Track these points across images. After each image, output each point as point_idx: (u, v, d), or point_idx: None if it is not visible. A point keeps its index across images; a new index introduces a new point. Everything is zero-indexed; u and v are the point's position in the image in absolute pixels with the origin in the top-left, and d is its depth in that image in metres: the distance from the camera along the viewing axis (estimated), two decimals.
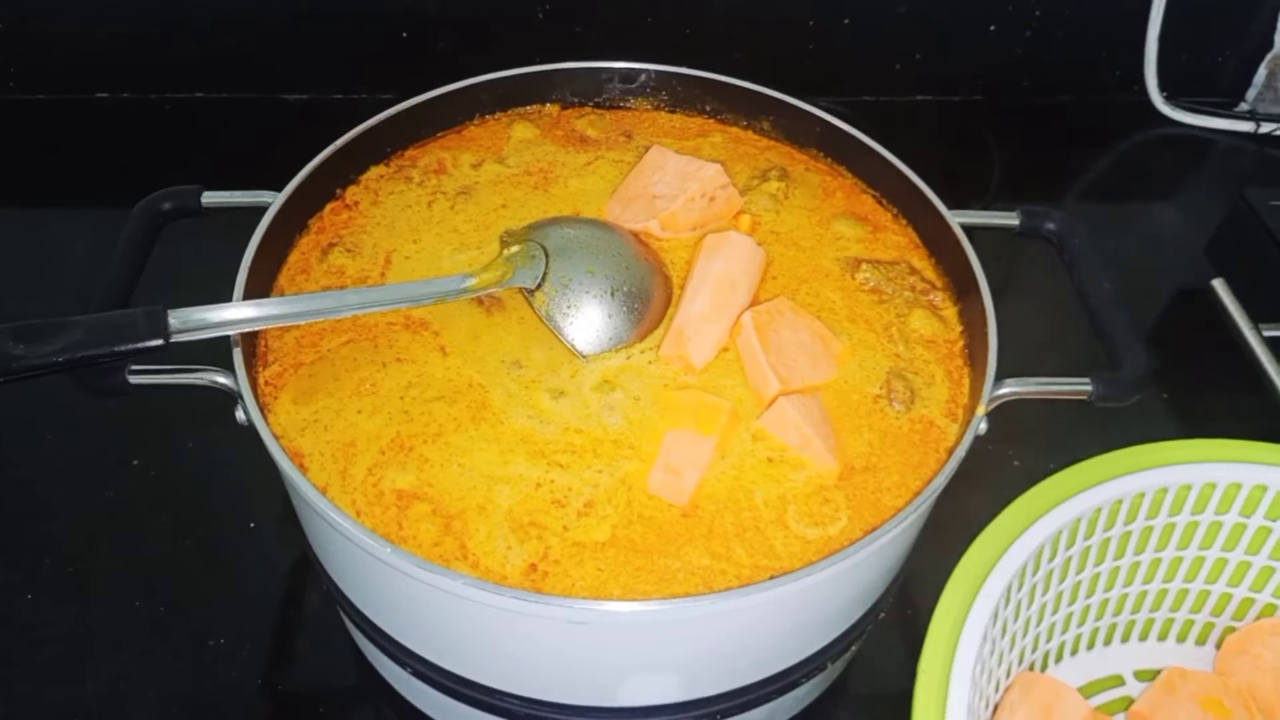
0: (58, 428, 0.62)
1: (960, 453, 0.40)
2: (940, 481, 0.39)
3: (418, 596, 0.38)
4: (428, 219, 0.50)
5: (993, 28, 0.84)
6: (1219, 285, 0.69)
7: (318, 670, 0.52)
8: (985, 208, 0.50)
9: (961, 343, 0.46)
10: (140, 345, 0.38)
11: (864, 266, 0.49)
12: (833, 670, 0.47)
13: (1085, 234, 0.49)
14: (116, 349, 0.37)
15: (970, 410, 0.42)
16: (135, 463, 0.60)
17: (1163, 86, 0.87)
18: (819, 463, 0.41)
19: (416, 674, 0.42)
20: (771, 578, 0.36)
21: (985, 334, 0.43)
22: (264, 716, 0.51)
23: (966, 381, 0.45)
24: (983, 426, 0.42)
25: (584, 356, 0.44)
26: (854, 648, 0.45)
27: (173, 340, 0.38)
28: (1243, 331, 0.66)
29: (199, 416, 0.60)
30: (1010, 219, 0.50)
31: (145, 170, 0.76)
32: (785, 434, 0.41)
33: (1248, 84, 0.89)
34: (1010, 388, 0.42)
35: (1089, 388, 0.43)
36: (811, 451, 0.41)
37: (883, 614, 0.45)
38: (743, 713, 0.43)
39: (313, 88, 0.84)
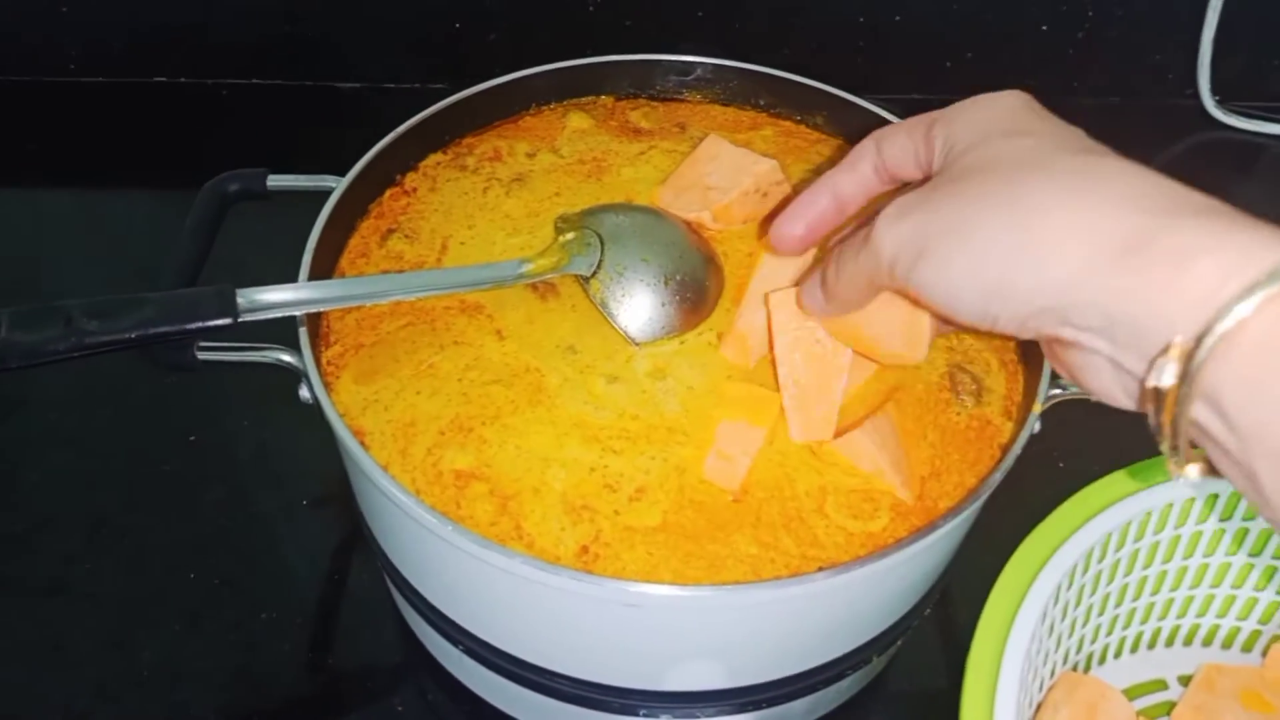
0: (117, 403, 0.63)
1: (1016, 450, 0.40)
2: (996, 478, 0.39)
3: (474, 574, 0.38)
4: (482, 205, 0.51)
5: (1045, 28, 0.83)
6: None
7: (365, 646, 0.53)
8: None
9: (1014, 340, 0.46)
10: (210, 323, 0.39)
11: None
12: (876, 664, 0.47)
13: None
14: (187, 327, 0.38)
15: (1026, 408, 0.42)
16: (192, 438, 0.61)
17: (1215, 90, 0.86)
18: (893, 491, 0.40)
19: (468, 651, 0.43)
20: (820, 569, 0.36)
21: None
22: (313, 689, 0.52)
23: (1021, 378, 0.45)
24: (1036, 425, 0.42)
25: (636, 343, 0.44)
26: (900, 642, 0.46)
27: (240, 319, 0.39)
28: None
29: (255, 395, 0.62)
30: None
31: (200, 154, 0.77)
32: (858, 461, 0.41)
33: None
34: (1065, 387, 0.42)
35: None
36: (885, 481, 0.40)
37: (929, 610, 0.45)
38: (787, 702, 0.43)
39: (365, 76, 0.85)
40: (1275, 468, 0.25)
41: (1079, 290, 0.27)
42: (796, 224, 0.39)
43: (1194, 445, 0.27)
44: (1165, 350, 0.26)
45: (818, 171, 0.53)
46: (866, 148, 0.37)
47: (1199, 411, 0.26)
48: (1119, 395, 0.29)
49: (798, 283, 0.40)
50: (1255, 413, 0.25)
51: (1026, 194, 0.29)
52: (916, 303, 0.34)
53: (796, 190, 0.51)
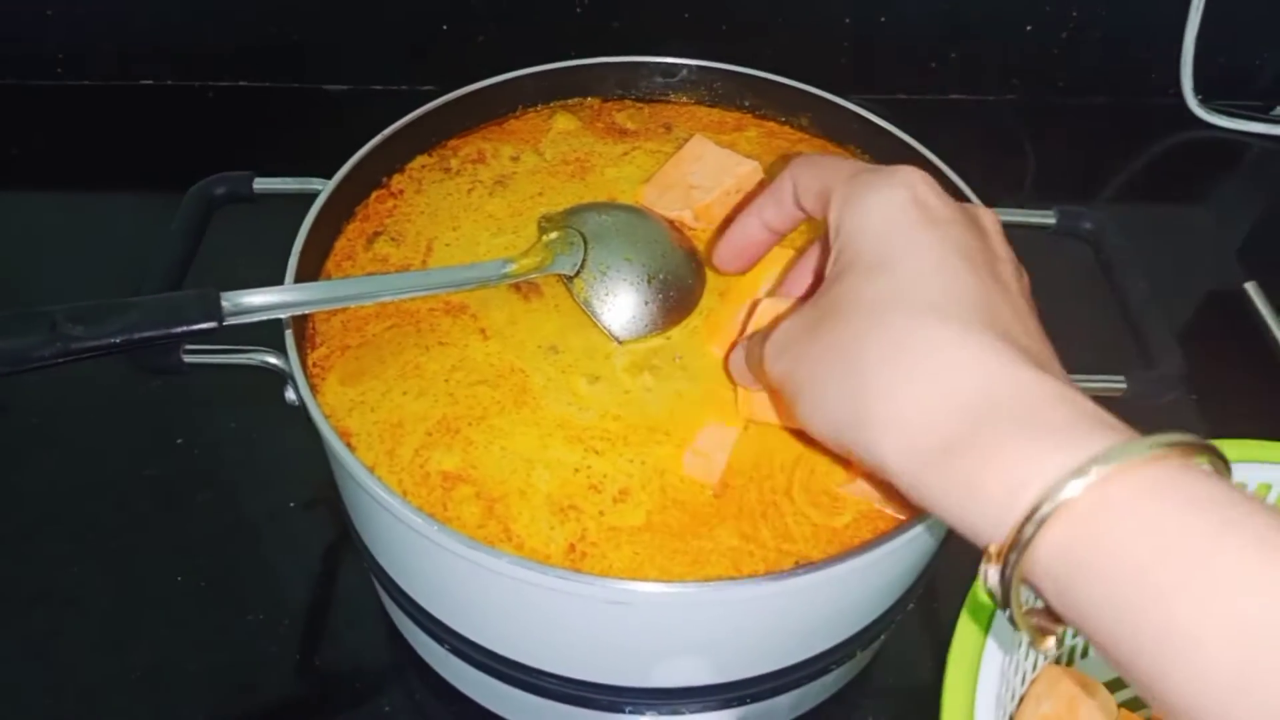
0: (103, 407, 0.63)
1: None
2: None
3: (462, 575, 0.39)
4: (466, 206, 0.51)
5: (1029, 28, 0.84)
6: (1252, 289, 0.70)
7: (354, 647, 0.54)
8: (1019, 206, 0.50)
9: None
10: (194, 327, 0.39)
11: None
12: (861, 658, 0.48)
13: (1122, 234, 0.49)
14: (172, 330, 0.39)
15: None
16: (179, 442, 0.61)
17: (1198, 89, 0.86)
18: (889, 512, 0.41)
19: (455, 651, 0.43)
20: (799, 564, 0.37)
21: None
22: (302, 690, 0.52)
23: None
24: None
25: (620, 342, 0.45)
26: (883, 636, 0.46)
27: (225, 323, 0.39)
28: (1275, 335, 0.66)
29: (241, 398, 0.62)
30: (1047, 218, 0.50)
31: (187, 157, 0.77)
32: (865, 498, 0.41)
33: None
34: None
35: (1123, 386, 0.43)
36: (885, 508, 0.41)
37: (913, 604, 0.46)
38: (771, 698, 0.44)
39: (353, 78, 0.85)
40: (1103, 649, 0.26)
41: (901, 479, 0.29)
42: (730, 252, 0.42)
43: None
44: (982, 553, 0.27)
45: None
46: (787, 185, 0.38)
47: (1034, 587, 0.27)
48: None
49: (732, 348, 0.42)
50: (1069, 613, 0.26)
51: (859, 362, 0.30)
52: None
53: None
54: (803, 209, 0.38)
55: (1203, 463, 0.26)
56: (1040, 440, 0.26)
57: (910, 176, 0.33)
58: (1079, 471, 0.25)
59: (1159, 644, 0.24)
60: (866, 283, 0.31)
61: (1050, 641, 0.28)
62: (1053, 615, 0.28)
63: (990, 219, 0.35)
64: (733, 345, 0.42)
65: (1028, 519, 0.25)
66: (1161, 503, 0.25)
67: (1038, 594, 0.27)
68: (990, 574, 0.27)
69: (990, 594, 0.28)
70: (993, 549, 0.27)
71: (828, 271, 0.34)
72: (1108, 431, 0.26)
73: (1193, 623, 0.23)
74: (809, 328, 0.33)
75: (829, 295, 0.33)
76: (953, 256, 0.31)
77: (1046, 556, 0.26)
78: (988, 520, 0.27)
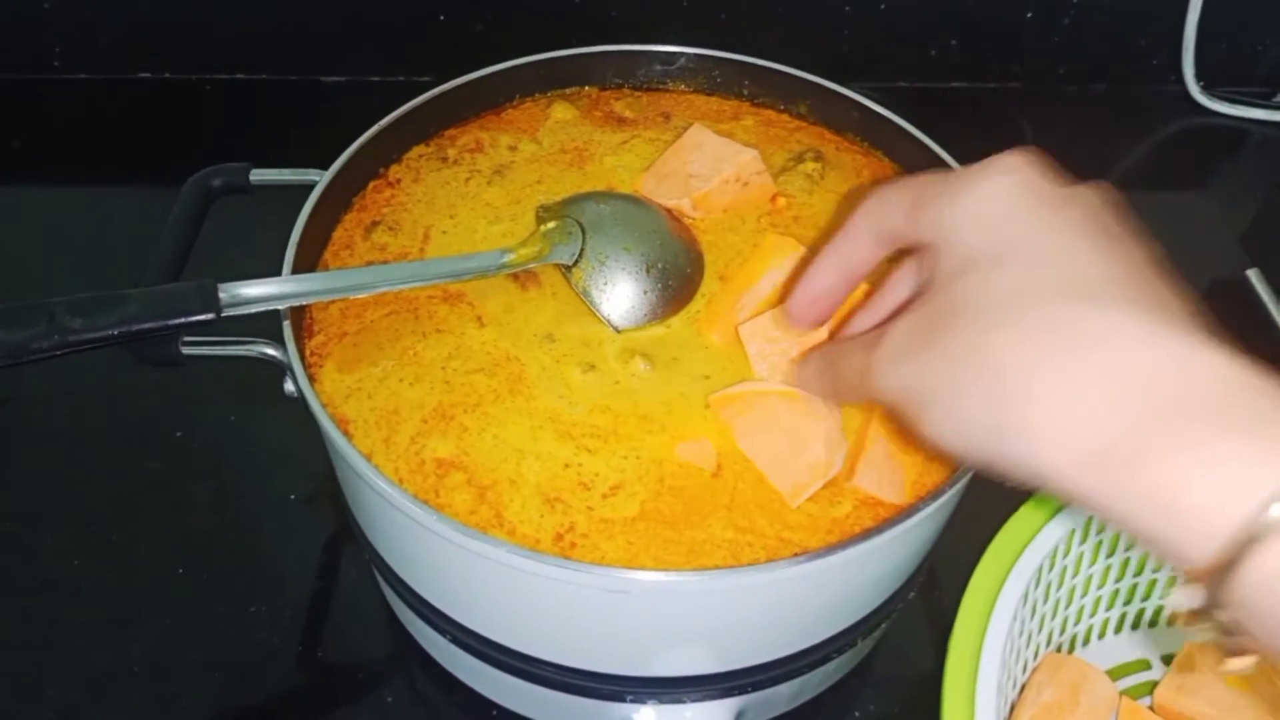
0: (102, 400, 0.63)
1: None
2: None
3: (459, 563, 0.39)
4: (464, 195, 0.51)
5: (1030, 15, 0.83)
6: (1254, 275, 0.69)
7: (355, 639, 0.54)
8: None
9: None
10: (192, 319, 0.39)
11: None
12: (862, 647, 0.48)
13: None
14: (169, 322, 0.39)
15: None
16: (179, 434, 0.61)
17: (1200, 76, 0.86)
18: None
19: (455, 641, 0.43)
20: (798, 554, 0.36)
21: None
22: (303, 682, 0.52)
23: None
24: None
25: (618, 331, 0.45)
26: (884, 625, 0.46)
27: (223, 314, 0.39)
28: (1278, 321, 0.66)
29: (241, 391, 0.62)
30: None
31: (186, 150, 0.77)
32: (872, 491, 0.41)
33: None
34: None
35: None
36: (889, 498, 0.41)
37: (913, 593, 0.46)
38: (772, 686, 0.43)
39: (350, 70, 0.85)
40: None
41: (1070, 488, 0.25)
42: (806, 304, 0.38)
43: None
44: (1183, 572, 0.24)
45: (798, 159, 0.54)
46: (861, 223, 0.35)
47: (1235, 613, 0.24)
48: None
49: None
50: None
51: (1000, 362, 0.26)
52: None
53: (779, 175, 0.52)
54: (885, 240, 0.34)
55: None
56: (1247, 441, 0.23)
57: (1014, 160, 0.30)
58: None
59: None
60: (992, 276, 0.28)
61: (1242, 662, 0.25)
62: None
63: (1105, 192, 0.31)
64: (806, 352, 0.40)
65: (1244, 537, 0.22)
66: None
67: (1241, 619, 0.24)
68: (1192, 596, 0.24)
69: (1185, 615, 0.25)
70: (1197, 570, 0.23)
71: (933, 278, 0.30)
72: None
73: None
74: (928, 333, 0.29)
75: (946, 296, 0.29)
76: (1082, 236, 0.28)
77: (1264, 577, 0.22)
78: (1189, 535, 0.23)
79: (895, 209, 0.33)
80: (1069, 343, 0.25)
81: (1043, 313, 0.26)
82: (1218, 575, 0.23)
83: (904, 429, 0.32)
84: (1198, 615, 0.24)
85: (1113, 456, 0.24)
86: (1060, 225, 0.28)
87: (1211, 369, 0.24)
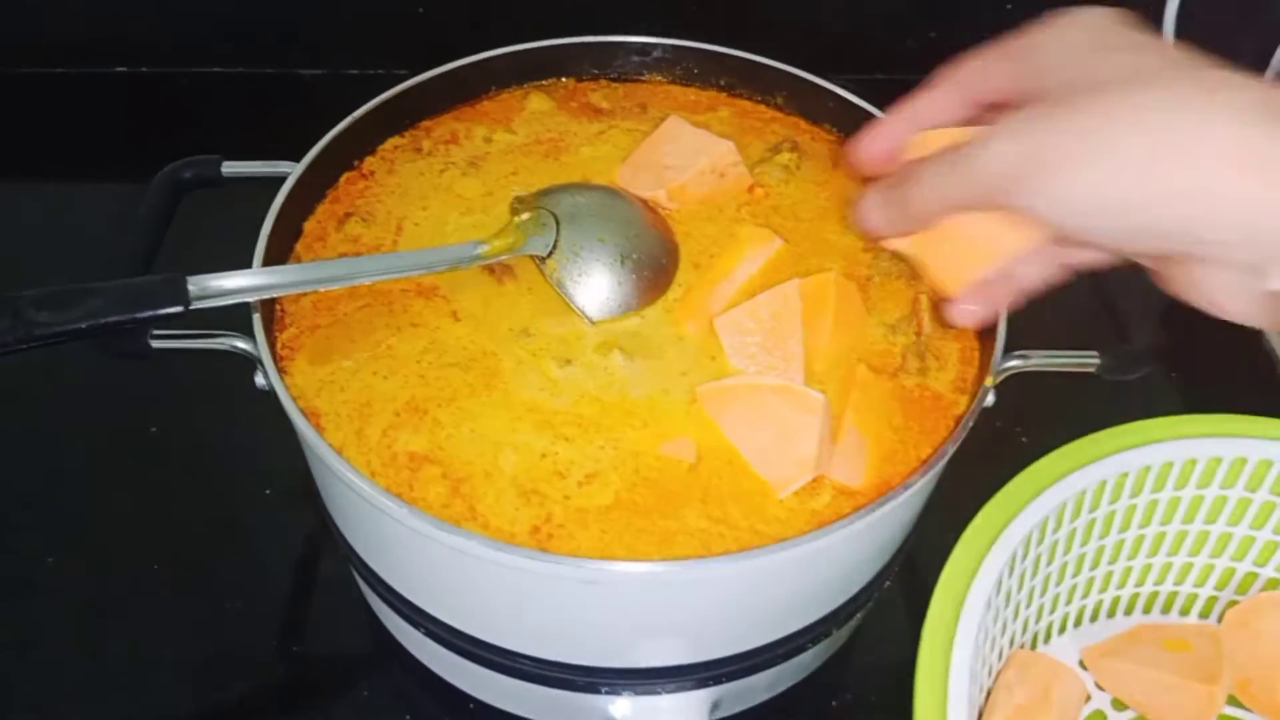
0: (77, 396, 0.63)
1: (969, 421, 0.40)
2: (949, 448, 0.39)
3: (432, 557, 0.38)
4: (437, 186, 0.51)
5: (1010, 6, 0.83)
6: None
7: (333, 635, 0.53)
8: None
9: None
10: (160, 312, 0.38)
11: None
12: (838, 636, 0.48)
13: None
14: (137, 315, 0.38)
15: (978, 382, 0.42)
16: (153, 430, 0.61)
17: None
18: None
19: (430, 635, 0.43)
20: (770, 544, 0.36)
21: None
22: (282, 679, 0.52)
23: (977, 355, 0.45)
24: (990, 399, 0.42)
25: (593, 322, 0.44)
26: (860, 614, 0.46)
27: (192, 307, 0.39)
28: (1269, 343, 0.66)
29: (216, 386, 0.61)
30: None
31: (163, 144, 0.75)
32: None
33: (1265, 66, 0.88)
34: (1018, 360, 0.42)
35: (1096, 360, 0.43)
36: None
37: (888, 582, 0.46)
38: (749, 676, 0.44)
39: (328, 63, 0.84)
40: None
41: (1215, 201, 0.27)
42: (878, 144, 0.38)
43: None
44: None
45: (775, 150, 0.53)
46: (946, 77, 0.36)
47: None
48: (1247, 308, 0.30)
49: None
50: None
51: (1151, 108, 0.28)
52: (1013, 223, 0.33)
53: (756, 166, 0.52)
54: (973, 97, 0.36)
55: None
56: None
57: (1090, 7, 0.33)
58: None
59: None
60: (1111, 61, 0.30)
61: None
62: None
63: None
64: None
65: None
66: None
67: None
68: None
69: None
70: None
71: (1043, 88, 0.32)
72: None
73: None
74: (1052, 109, 0.30)
75: (1064, 86, 0.31)
76: (1179, 51, 0.31)
77: None
78: None
79: (993, 57, 0.35)
80: (1208, 88, 0.28)
81: (1175, 75, 0.29)
82: None
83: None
84: None
85: (1266, 160, 0.27)
86: (1154, 40, 0.32)
87: None
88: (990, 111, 0.35)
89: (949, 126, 0.36)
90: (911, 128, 0.37)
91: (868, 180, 0.38)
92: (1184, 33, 0.83)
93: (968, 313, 0.38)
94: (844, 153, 0.40)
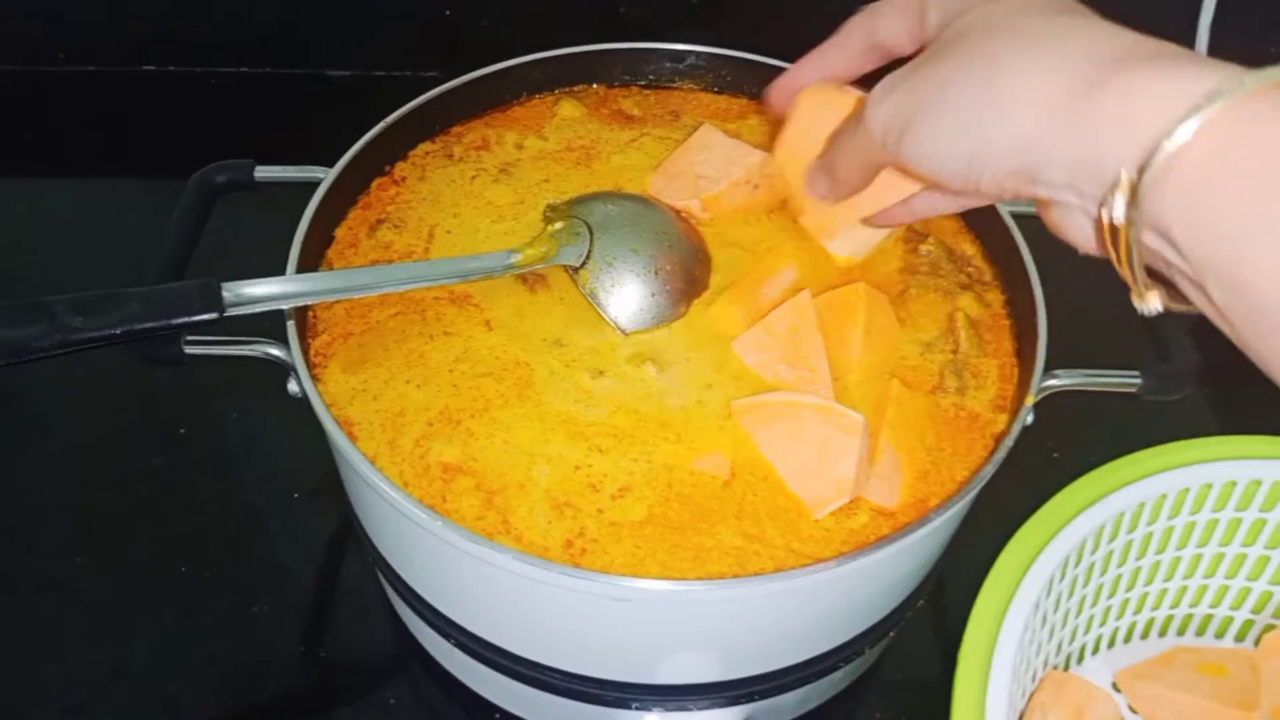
0: (106, 398, 0.63)
1: (1009, 442, 0.39)
2: (989, 470, 0.39)
3: (464, 569, 0.38)
4: (468, 193, 0.51)
5: None
6: None
7: (358, 639, 0.53)
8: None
9: (1009, 332, 0.46)
10: (195, 318, 0.38)
11: (922, 247, 0.49)
12: (869, 655, 0.47)
13: None
14: (172, 322, 0.38)
15: (1018, 400, 0.42)
16: (182, 432, 0.61)
17: None
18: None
19: (459, 645, 0.43)
20: (806, 564, 0.36)
21: (1034, 324, 0.43)
22: (306, 682, 0.52)
23: (1015, 373, 0.44)
24: (1029, 418, 0.41)
25: (625, 334, 0.44)
26: (891, 634, 0.45)
27: (226, 314, 0.39)
28: None
29: (245, 388, 0.62)
30: None
31: (191, 144, 0.76)
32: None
33: None
34: (1059, 379, 0.42)
35: (1138, 381, 0.43)
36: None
37: (922, 601, 0.45)
38: (779, 694, 0.43)
39: (356, 65, 0.84)
40: (1223, 288, 0.26)
41: (1041, 143, 0.28)
42: (784, 94, 0.42)
43: (1155, 276, 0.29)
44: (1114, 186, 0.27)
45: None
46: (857, 24, 0.39)
47: (1151, 240, 0.27)
48: (1093, 244, 0.30)
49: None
50: (1199, 238, 0.26)
51: (993, 56, 0.30)
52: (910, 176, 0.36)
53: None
54: (881, 47, 0.38)
55: None
56: (1188, 65, 0.26)
57: None
58: (1226, 84, 0.25)
59: None
60: (986, 9, 0.32)
61: (1154, 296, 0.28)
62: (1158, 276, 0.28)
63: None
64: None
65: (1179, 125, 0.25)
66: None
67: (1160, 232, 0.27)
68: (1116, 204, 0.27)
69: (1106, 232, 0.27)
70: (1123, 177, 0.26)
71: (933, 37, 0.34)
72: (1236, 67, 0.26)
73: None
74: (920, 63, 0.32)
75: (944, 36, 0.32)
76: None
77: (1191, 167, 0.25)
78: (1132, 141, 0.26)
79: (900, 8, 0.36)
80: (1044, 37, 0.29)
81: (1031, 21, 0.30)
82: (1150, 180, 0.26)
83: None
84: (1119, 236, 0.27)
85: (1078, 93, 0.27)
86: None
87: (1154, 42, 0.28)
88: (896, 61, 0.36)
89: (856, 74, 0.40)
90: (820, 74, 0.41)
91: (779, 122, 0.43)
92: (1218, 41, 0.82)
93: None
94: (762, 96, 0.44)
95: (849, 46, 0.39)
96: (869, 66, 0.39)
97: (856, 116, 0.35)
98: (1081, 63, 0.28)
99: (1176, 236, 0.26)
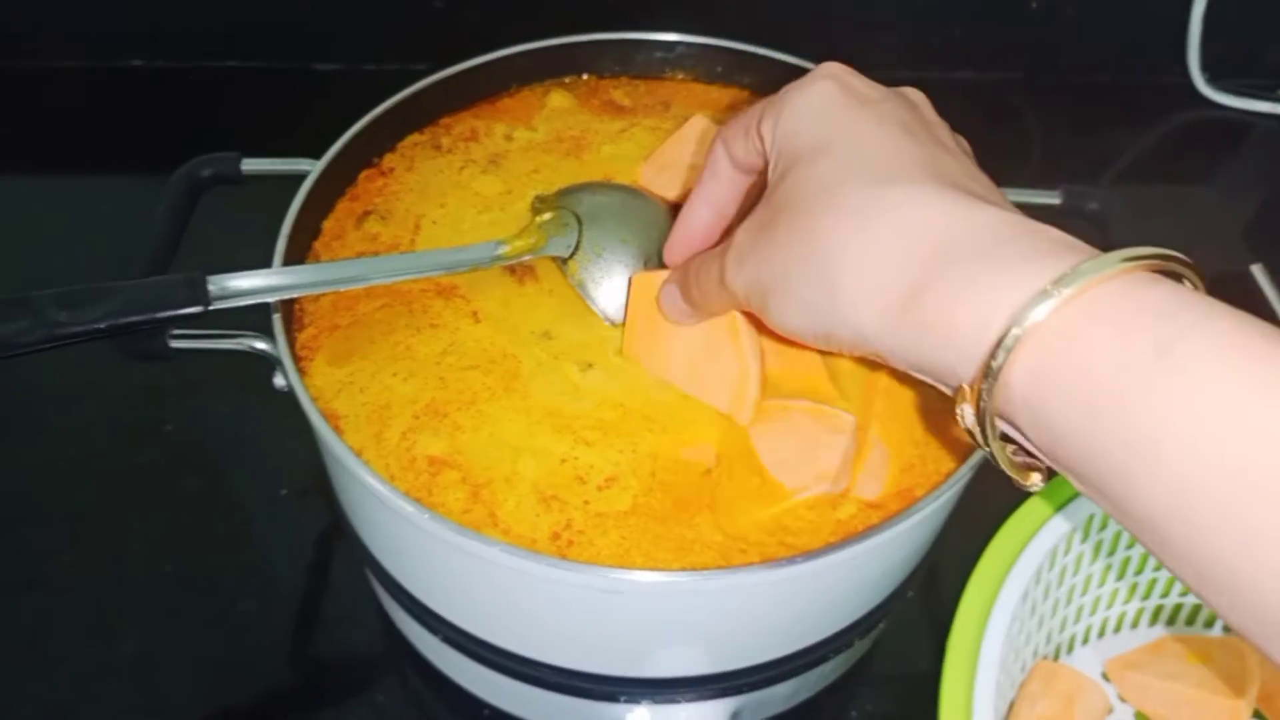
0: (91, 394, 0.62)
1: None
2: (976, 459, 0.38)
3: (451, 562, 0.38)
4: (456, 184, 0.50)
5: (1034, 5, 0.82)
6: (1258, 270, 0.68)
7: (346, 637, 0.53)
8: (1024, 186, 0.49)
9: None
10: (180, 312, 0.38)
11: None
12: (859, 647, 0.47)
13: (1127, 214, 0.48)
14: (157, 315, 0.38)
15: None
16: (168, 429, 0.61)
17: (1205, 68, 0.85)
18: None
19: (448, 641, 0.43)
20: (793, 556, 0.36)
21: None
22: (294, 680, 0.52)
23: None
24: None
25: (614, 324, 0.44)
26: (881, 624, 0.45)
27: (212, 307, 0.38)
28: None
29: (231, 384, 0.61)
30: (1052, 198, 0.49)
31: (178, 138, 0.76)
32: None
33: None
34: None
35: None
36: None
37: (911, 592, 0.45)
38: (768, 687, 0.43)
39: (345, 57, 0.84)
40: (1078, 477, 0.26)
41: (884, 342, 0.29)
42: (682, 245, 0.40)
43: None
44: (959, 393, 0.27)
45: None
46: (719, 153, 0.38)
47: (1010, 433, 0.27)
48: None
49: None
50: (1043, 439, 0.26)
51: (822, 243, 0.30)
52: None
53: None
54: (740, 165, 0.37)
55: (1180, 274, 0.27)
56: (1006, 271, 0.26)
57: (832, 69, 0.34)
58: (1044, 294, 0.25)
59: (1124, 455, 0.24)
60: (810, 170, 0.31)
61: (1035, 477, 0.28)
62: (1030, 454, 0.28)
63: (918, 95, 0.35)
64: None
65: (998, 346, 0.25)
66: (1120, 314, 0.24)
67: (1015, 429, 0.27)
68: (966, 413, 0.27)
69: (970, 434, 0.28)
70: (966, 386, 0.27)
71: (770, 179, 0.34)
72: (1072, 253, 0.26)
73: (1152, 428, 0.23)
74: (762, 230, 0.32)
75: (776, 194, 0.32)
76: (890, 126, 0.31)
77: (1019, 383, 0.25)
78: (961, 357, 0.26)
79: (738, 132, 0.36)
80: (873, 217, 0.29)
81: (854, 195, 0.29)
82: (986, 385, 0.26)
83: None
84: (975, 431, 0.27)
85: (906, 301, 0.27)
86: (872, 119, 0.31)
87: (988, 220, 0.27)
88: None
89: (741, 196, 0.39)
90: (713, 213, 0.39)
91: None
92: (1210, 34, 0.82)
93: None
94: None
95: (721, 176, 0.38)
96: (748, 184, 0.38)
97: (718, 253, 0.35)
98: (904, 259, 0.28)
99: (1030, 438, 0.26)
